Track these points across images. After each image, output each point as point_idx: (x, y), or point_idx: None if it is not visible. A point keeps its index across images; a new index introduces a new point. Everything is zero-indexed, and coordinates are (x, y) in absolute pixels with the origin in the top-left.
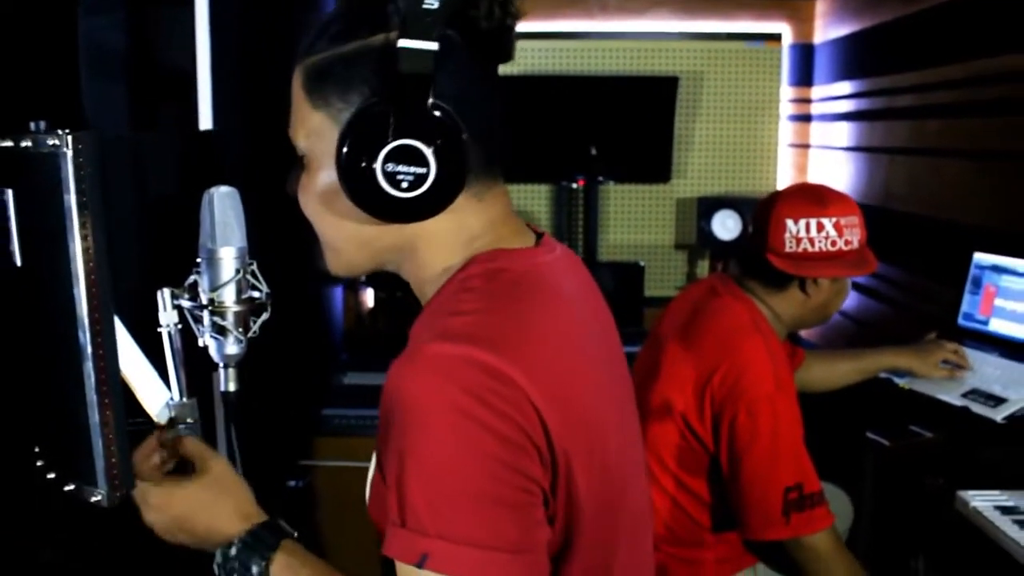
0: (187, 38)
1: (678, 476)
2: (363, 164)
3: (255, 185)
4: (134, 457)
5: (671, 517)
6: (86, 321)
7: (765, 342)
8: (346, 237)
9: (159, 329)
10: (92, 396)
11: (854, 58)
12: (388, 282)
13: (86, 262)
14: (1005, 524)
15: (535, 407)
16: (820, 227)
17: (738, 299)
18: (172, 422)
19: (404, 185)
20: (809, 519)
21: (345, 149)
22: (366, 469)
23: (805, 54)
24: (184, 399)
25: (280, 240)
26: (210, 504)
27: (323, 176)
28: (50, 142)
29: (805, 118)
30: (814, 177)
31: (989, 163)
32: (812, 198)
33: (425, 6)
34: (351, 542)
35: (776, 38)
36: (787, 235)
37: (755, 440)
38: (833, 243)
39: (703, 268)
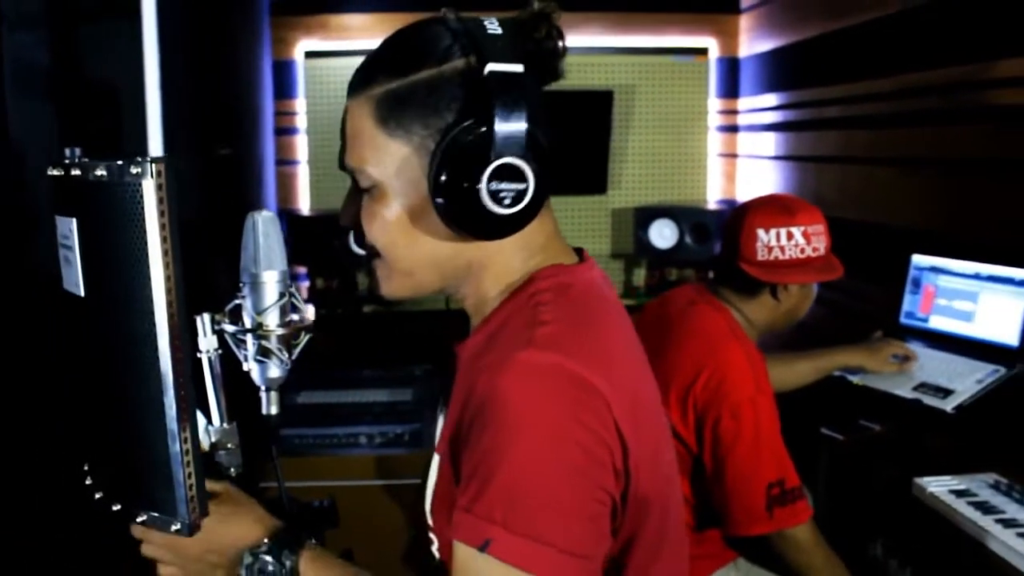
0: (131, 57)
1: None
2: (465, 184)
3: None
4: None
5: None
6: (167, 351)
7: (744, 347)
8: (421, 259)
9: (199, 355)
10: (173, 426)
11: (778, 71)
12: (329, 300)
13: (167, 291)
14: (961, 506)
15: (615, 421)
16: (790, 236)
17: (715, 307)
18: (214, 447)
19: (507, 202)
20: (791, 513)
21: (445, 172)
22: (329, 488)
23: (731, 67)
24: (225, 424)
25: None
26: (230, 518)
27: (400, 202)
28: (133, 170)
29: (732, 129)
30: (742, 185)
31: (918, 170)
32: (781, 209)
33: (490, 32)
34: None
35: (703, 52)
36: (759, 244)
37: (738, 440)
38: (802, 250)
39: (640, 276)
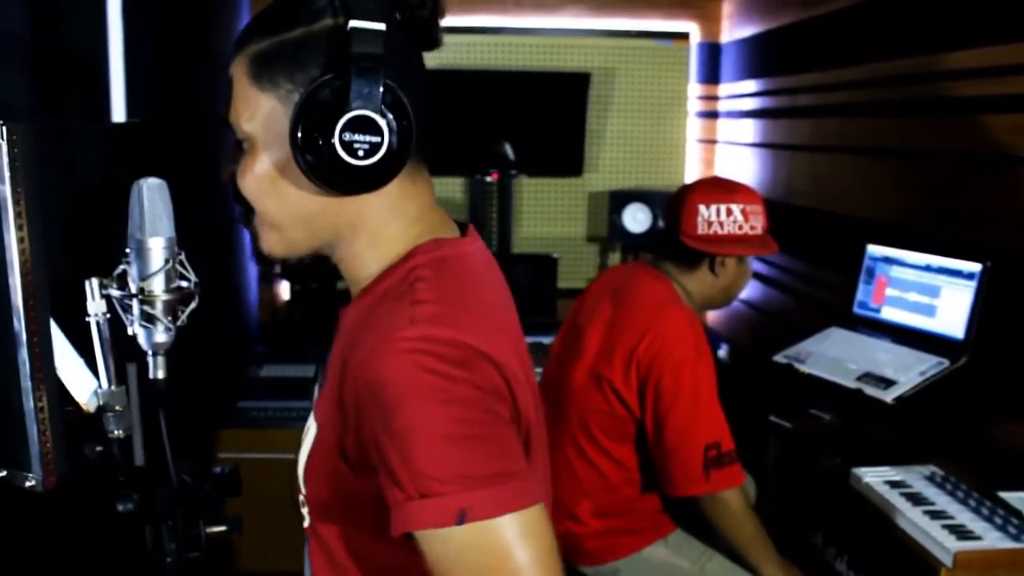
0: (97, 23)
1: (604, 445)
2: (321, 136)
3: (174, 175)
4: None
5: (596, 488)
6: (21, 309)
7: (685, 313)
8: (289, 214)
9: (87, 319)
10: (26, 383)
11: (759, 58)
12: (304, 274)
13: (21, 252)
14: (894, 497)
15: (500, 371)
16: (729, 212)
17: (656, 278)
18: (101, 409)
19: (361, 153)
20: (728, 475)
21: (302, 123)
22: (287, 460)
23: (712, 53)
24: (113, 387)
25: (197, 232)
26: None
27: (269, 155)
28: None
29: (712, 115)
30: (721, 172)
31: (883, 160)
32: (721, 187)
33: None
34: (271, 531)
35: (684, 36)
36: (699, 219)
37: (677, 400)
38: (740, 227)
39: (614, 260)
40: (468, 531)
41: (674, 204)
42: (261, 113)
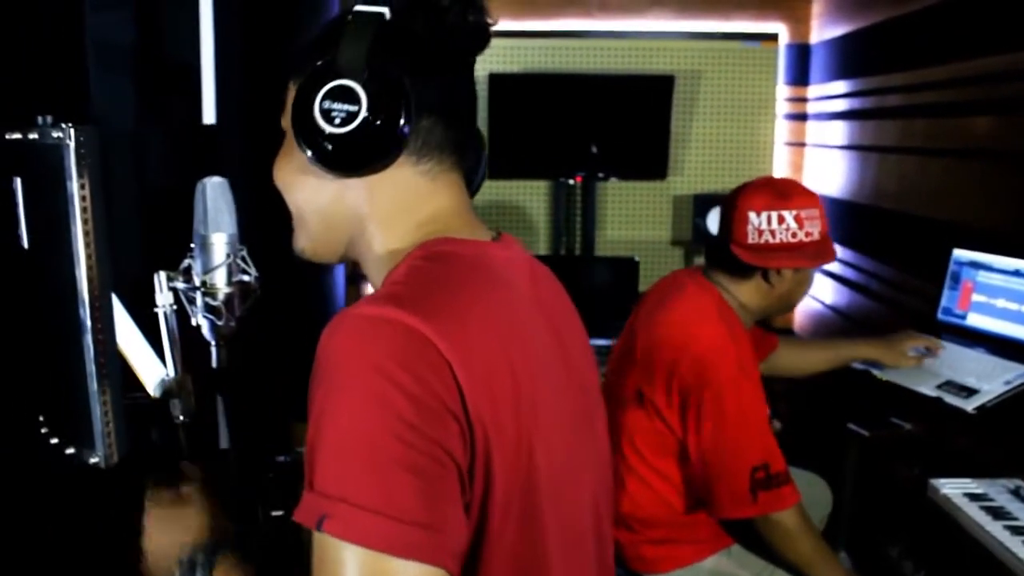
0: (192, 35)
1: (650, 460)
2: (306, 107)
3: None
4: None
5: (646, 501)
6: (86, 298)
7: (728, 329)
8: (308, 206)
9: (156, 310)
10: (91, 367)
11: (848, 58)
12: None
13: (86, 244)
14: (973, 511)
15: (455, 376)
16: (781, 219)
17: (704, 289)
18: (166, 395)
19: (337, 120)
20: (776, 497)
21: (296, 99)
22: None
23: (801, 54)
24: (178, 375)
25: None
26: (166, 523)
27: (291, 146)
28: (55, 135)
29: (801, 117)
30: (810, 175)
31: (971, 162)
32: (774, 191)
33: None
34: None
35: (773, 38)
36: (750, 227)
37: (721, 423)
38: (794, 235)
39: (698, 264)
40: (323, 541)
41: (726, 209)
42: (288, 104)
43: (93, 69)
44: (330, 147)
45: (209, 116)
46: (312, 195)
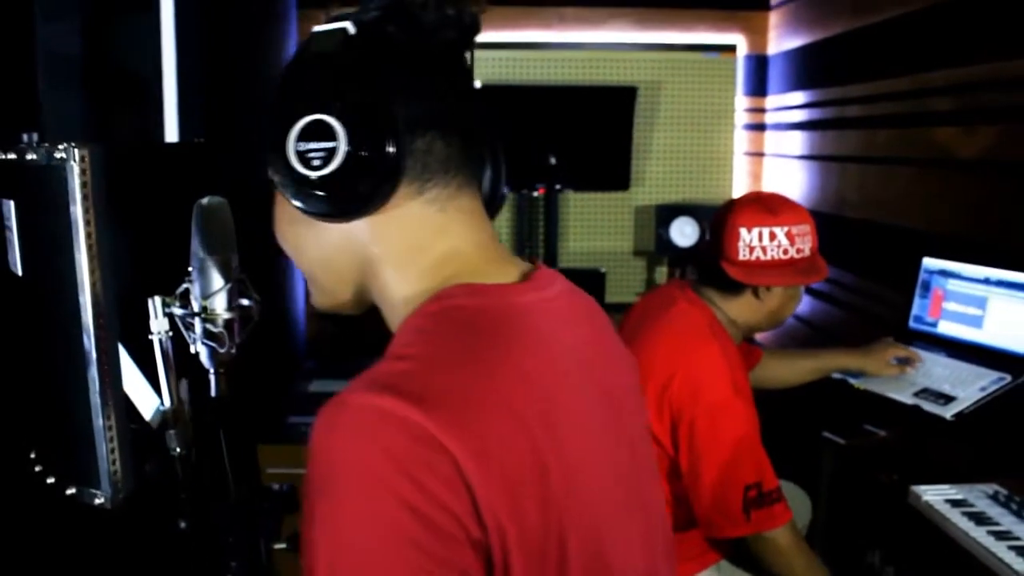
0: (151, 47)
1: None
2: (279, 155)
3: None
4: None
5: None
6: (91, 328)
7: (721, 347)
8: (313, 257)
9: (150, 336)
10: (96, 400)
11: (807, 69)
12: None
13: (91, 271)
14: (955, 516)
15: (464, 477)
16: (772, 236)
17: (695, 305)
18: (163, 426)
19: (316, 162)
20: (769, 515)
21: (270, 147)
22: None
23: (759, 65)
24: (175, 405)
25: (243, 247)
26: None
27: (280, 199)
28: (57, 155)
29: (760, 127)
30: (769, 185)
31: (935, 171)
32: (765, 208)
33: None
34: None
35: (731, 49)
36: (740, 244)
37: (715, 443)
38: (785, 251)
39: (661, 274)
40: None
41: (716, 224)
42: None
43: (43, 81)
44: (318, 192)
45: (171, 133)
46: (315, 247)
